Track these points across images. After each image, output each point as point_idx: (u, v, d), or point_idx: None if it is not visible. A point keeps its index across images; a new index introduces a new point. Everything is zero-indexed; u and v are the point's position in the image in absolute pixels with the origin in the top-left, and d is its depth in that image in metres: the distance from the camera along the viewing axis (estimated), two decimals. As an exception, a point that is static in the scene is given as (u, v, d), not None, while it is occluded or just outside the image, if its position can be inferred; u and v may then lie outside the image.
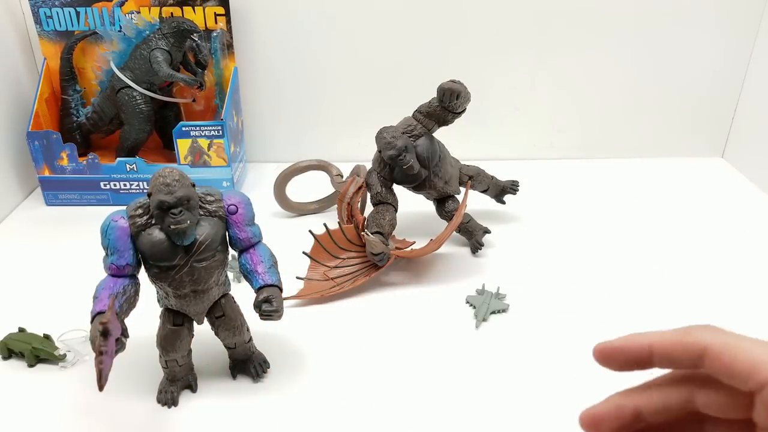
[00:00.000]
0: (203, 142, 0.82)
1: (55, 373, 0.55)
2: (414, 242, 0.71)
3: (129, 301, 0.46)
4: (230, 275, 0.54)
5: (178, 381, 0.52)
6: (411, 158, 0.66)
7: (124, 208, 0.47)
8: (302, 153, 0.86)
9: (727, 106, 0.95)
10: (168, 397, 0.51)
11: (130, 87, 0.82)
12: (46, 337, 0.57)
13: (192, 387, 0.53)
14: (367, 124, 0.72)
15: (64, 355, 0.56)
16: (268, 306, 0.47)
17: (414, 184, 0.69)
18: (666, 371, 0.29)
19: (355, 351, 0.58)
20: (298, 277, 0.65)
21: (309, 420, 0.50)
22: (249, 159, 0.95)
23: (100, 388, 0.40)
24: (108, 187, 0.84)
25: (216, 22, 0.84)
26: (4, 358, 0.57)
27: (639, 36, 0.89)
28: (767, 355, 0.25)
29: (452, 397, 0.52)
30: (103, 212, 0.48)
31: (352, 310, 0.64)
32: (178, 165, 0.82)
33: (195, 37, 0.83)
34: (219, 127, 0.81)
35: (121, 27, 0.82)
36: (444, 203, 0.71)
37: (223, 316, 0.51)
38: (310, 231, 0.66)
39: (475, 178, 0.74)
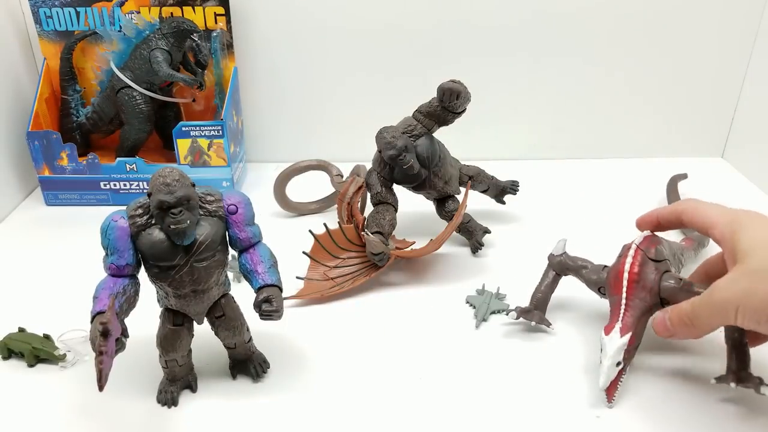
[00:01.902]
0: (203, 142, 0.82)
1: (55, 373, 0.55)
2: (414, 242, 0.71)
3: (129, 301, 0.46)
4: (230, 275, 0.54)
5: (178, 381, 0.52)
6: (411, 158, 0.66)
7: (124, 208, 0.47)
8: (302, 153, 0.86)
9: (727, 106, 0.95)
10: (168, 397, 0.51)
11: (130, 87, 0.82)
12: (46, 337, 0.57)
13: (192, 387, 0.53)
14: (367, 124, 0.72)
15: (64, 355, 0.56)
16: (268, 306, 0.47)
17: (414, 184, 0.69)
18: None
19: (355, 351, 0.58)
20: (298, 277, 0.65)
21: (309, 420, 0.50)
22: (249, 159, 0.95)
23: (100, 388, 0.40)
24: (108, 187, 0.84)
25: (216, 22, 0.84)
26: (4, 358, 0.57)
27: (639, 36, 0.89)
28: (716, 214, 0.48)
29: (452, 396, 0.52)
30: (103, 212, 0.48)
31: (352, 310, 0.64)
32: (178, 165, 0.82)
33: (195, 37, 0.83)
34: (219, 127, 0.81)
35: (121, 27, 0.82)
36: (444, 203, 0.71)
37: (223, 316, 0.51)
38: (310, 231, 0.66)
39: (475, 178, 0.74)
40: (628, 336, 0.50)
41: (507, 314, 0.60)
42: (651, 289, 0.52)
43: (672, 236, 0.69)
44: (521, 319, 0.59)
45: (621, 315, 0.51)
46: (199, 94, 0.88)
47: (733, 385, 0.49)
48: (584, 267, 0.58)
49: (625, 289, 0.52)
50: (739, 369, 0.49)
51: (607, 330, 0.51)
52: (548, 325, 0.59)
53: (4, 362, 0.56)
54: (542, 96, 0.93)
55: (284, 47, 0.90)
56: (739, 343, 0.50)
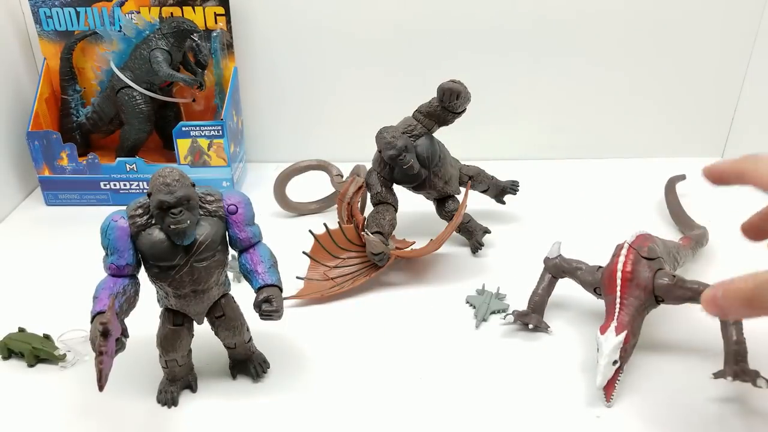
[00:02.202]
0: (203, 142, 0.82)
1: (55, 373, 0.55)
2: (414, 242, 0.71)
3: (129, 301, 0.46)
4: (230, 275, 0.54)
5: (178, 381, 0.52)
6: (411, 158, 0.66)
7: (124, 208, 0.47)
8: (302, 153, 0.86)
9: (727, 105, 0.95)
10: (168, 397, 0.51)
11: (130, 87, 0.82)
12: (46, 337, 0.57)
13: (192, 387, 0.53)
14: (367, 124, 0.72)
15: (64, 355, 0.56)
16: (268, 306, 0.47)
17: (414, 184, 0.69)
18: None
19: (355, 351, 0.58)
20: (298, 277, 0.65)
21: (309, 420, 0.50)
22: (249, 159, 0.95)
23: (100, 388, 0.40)
24: (108, 187, 0.84)
25: (216, 22, 0.84)
26: (4, 358, 0.57)
27: (639, 36, 0.89)
28: None
29: (452, 396, 0.52)
30: (103, 212, 0.48)
31: (352, 310, 0.64)
32: (178, 165, 0.82)
33: (195, 37, 0.83)
34: (219, 127, 0.81)
35: (121, 27, 0.82)
36: (444, 203, 0.71)
37: (223, 316, 0.51)
38: (310, 231, 0.66)
39: (475, 178, 0.74)
40: (623, 335, 0.50)
41: (504, 317, 0.61)
42: (645, 287, 0.52)
43: (670, 235, 0.69)
44: (518, 322, 0.59)
45: (616, 314, 0.51)
46: (199, 94, 0.89)
47: (730, 379, 0.49)
48: (579, 268, 0.58)
49: (619, 288, 0.52)
50: (736, 363, 0.50)
51: (603, 329, 0.51)
52: (546, 328, 0.59)
53: (4, 362, 0.56)
54: (542, 96, 0.93)
55: (284, 47, 0.90)
56: (737, 337, 0.50)
